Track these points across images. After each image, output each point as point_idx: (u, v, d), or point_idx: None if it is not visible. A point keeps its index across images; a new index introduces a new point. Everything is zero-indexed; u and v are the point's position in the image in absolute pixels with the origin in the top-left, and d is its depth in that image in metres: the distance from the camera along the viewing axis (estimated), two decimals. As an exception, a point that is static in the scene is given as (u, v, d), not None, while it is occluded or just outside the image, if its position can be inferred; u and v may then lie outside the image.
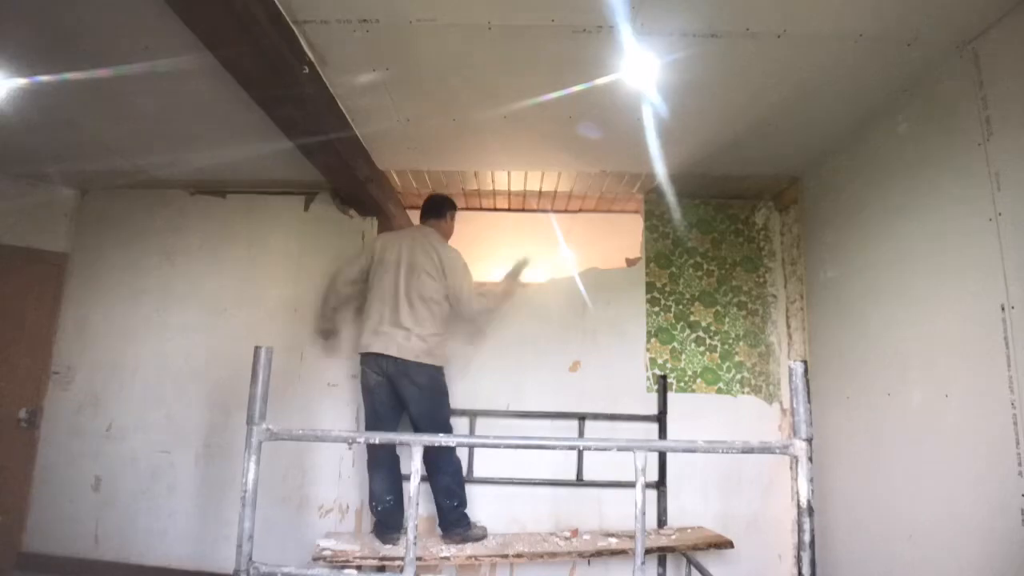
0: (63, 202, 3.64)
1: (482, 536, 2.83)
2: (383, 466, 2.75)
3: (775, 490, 3.27)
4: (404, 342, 2.70)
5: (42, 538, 3.29)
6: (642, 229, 3.63)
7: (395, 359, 2.69)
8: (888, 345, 2.46)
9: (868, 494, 2.55)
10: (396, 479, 2.78)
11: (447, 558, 2.65)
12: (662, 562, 3.17)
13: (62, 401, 3.44)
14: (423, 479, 2.64)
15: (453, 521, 2.75)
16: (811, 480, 1.42)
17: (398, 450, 2.82)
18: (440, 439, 1.64)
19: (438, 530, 2.83)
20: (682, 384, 3.40)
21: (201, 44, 1.87)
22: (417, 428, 2.74)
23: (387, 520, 2.73)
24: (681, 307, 3.50)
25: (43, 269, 3.53)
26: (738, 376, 3.42)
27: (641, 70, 2.23)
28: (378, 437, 1.66)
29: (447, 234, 3.09)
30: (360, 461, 3.26)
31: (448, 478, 2.75)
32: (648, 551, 2.71)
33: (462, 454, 3.20)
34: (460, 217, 4.16)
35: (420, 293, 2.76)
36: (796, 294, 3.36)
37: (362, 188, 3.16)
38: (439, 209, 3.07)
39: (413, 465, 1.47)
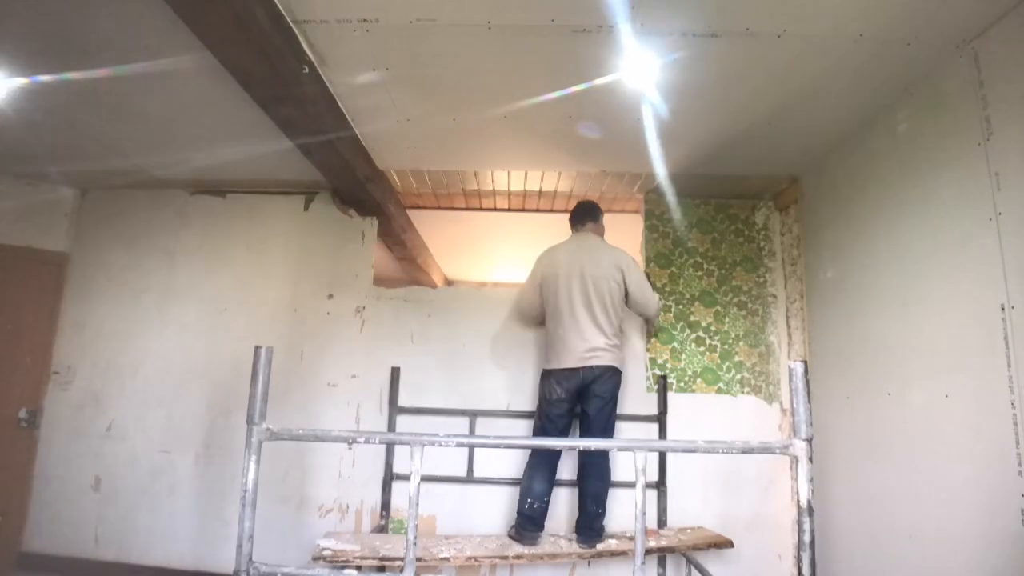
0: (63, 202, 3.65)
1: (606, 538, 2.86)
2: (545, 467, 2.79)
3: (775, 490, 3.27)
4: (598, 350, 2.74)
5: (42, 538, 3.30)
6: (642, 229, 3.63)
7: (587, 368, 2.73)
8: (888, 345, 2.45)
9: (868, 494, 2.55)
10: (553, 481, 2.82)
11: (447, 558, 2.65)
12: (662, 562, 3.17)
13: (62, 401, 3.44)
14: (570, 483, 2.90)
15: (597, 529, 2.78)
16: (811, 480, 1.42)
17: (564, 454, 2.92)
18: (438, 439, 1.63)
19: (573, 534, 2.85)
20: (682, 384, 3.40)
21: (201, 44, 1.88)
22: (590, 430, 2.77)
23: (537, 518, 2.75)
24: (681, 307, 3.50)
25: (43, 269, 3.53)
26: (738, 376, 3.42)
27: (641, 70, 2.23)
28: (378, 437, 1.66)
29: (603, 236, 3.07)
30: (360, 461, 3.26)
31: (600, 484, 2.78)
32: (648, 551, 2.71)
33: (462, 454, 3.20)
34: (460, 217, 4.20)
35: (602, 300, 2.78)
36: (796, 294, 3.36)
37: (362, 188, 3.16)
38: (594, 213, 3.05)
39: (413, 465, 1.47)
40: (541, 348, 3.42)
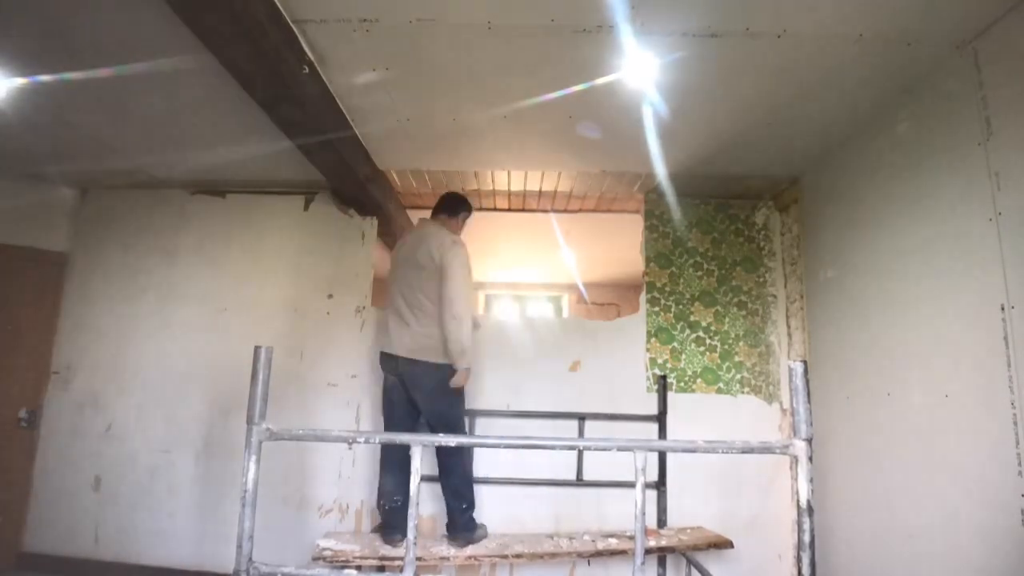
0: (63, 202, 3.65)
1: (484, 536, 2.83)
2: (394, 465, 2.72)
3: (775, 490, 3.27)
4: (410, 341, 2.68)
5: (42, 538, 3.29)
6: (642, 229, 3.63)
7: (403, 359, 2.67)
8: (888, 345, 2.46)
9: (868, 494, 2.55)
10: (406, 479, 2.73)
11: (447, 558, 2.65)
12: (662, 562, 3.17)
13: (62, 401, 3.44)
14: (430, 479, 2.71)
15: (461, 524, 2.73)
16: (811, 480, 1.41)
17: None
18: (440, 439, 1.63)
19: (444, 531, 2.81)
20: (682, 384, 3.40)
21: (201, 44, 1.88)
22: (430, 428, 2.71)
23: (393, 520, 2.69)
24: (681, 307, 3.50)
25: (43, 269, 3.53)
26: (738, 376, 3.42)
27: (641, 70, 2.23)
28: (378, 437, 1.66)
29: (454, 230, 2.93)
30: (360, 461, 3.26)
31: (457, 479, 2.72)
32: (648, 551, 2.71)
33: (462, 454, 3.20)
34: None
35: (422, 289, 2.69)
36: (796, 294, 3.36)
37: (362, 188, 3.16)
38: (453, 207, 2.96)
39: (413, 465, 1.47)
40: (541, 348, 3.43)
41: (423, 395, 2.68)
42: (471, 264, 2.73)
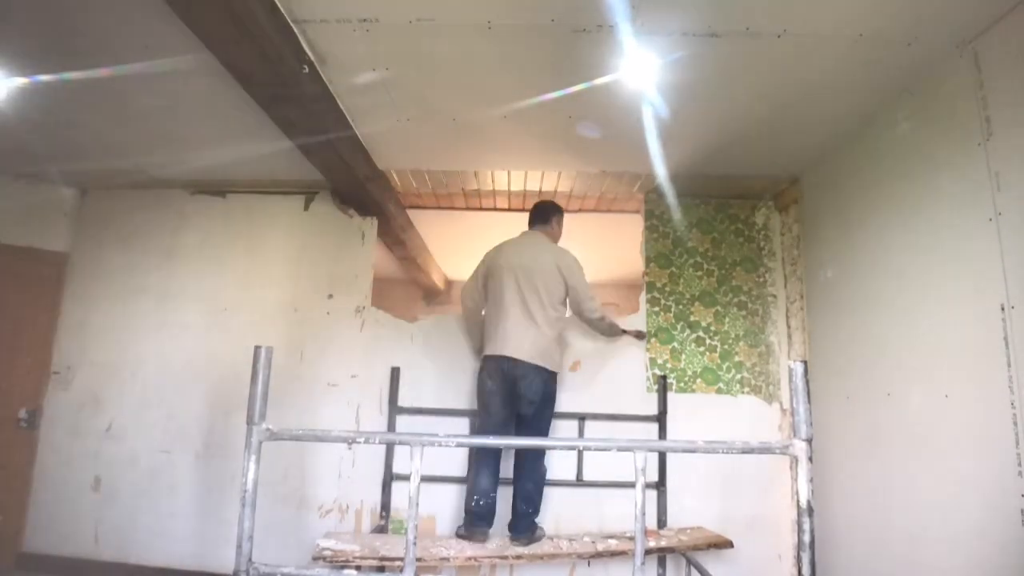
0: (63, 202, 3.65)
1: (542, 537, 2.87)
2: (489, 463, 2.81)
3: (775, 490, 3.27)
4: (530, 346, 2.75)
5: (42, 538, 3.30)
6: (642, 229, 3.62)
7: (522, 361, 2.74)
8: (888, 345, 2.45)
9: (868, 494, 2.55)
10: (497, 477, 2.83)
11: (447, 558, 2.65)
12: (662, 562, 3.17)
13: (62, 401, 3.44)
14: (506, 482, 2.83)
15: (524, 526, 2.79)
16: (811, 480, 1.42)
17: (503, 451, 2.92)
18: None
19: (507, 531, 2.84)
20: (682, 384, 3.40)
21: (201, 44, 1.88)
22: (520, 429, 2.80)
23: (484, 514, 2.77)
24: (681, 307, 3.50)
25: (43, 269, 3.54)
26: (738, 376, 3.42)
27: (641, 70, 2.23)
28: (378, 438, 1.66)
29: (555, 239, 3.09)
30: (360, 461, 3.26)
31: (531, 484, 2.80)
32: (648, 551, 2.71)
33: (462, 454, 3.20)
34: (460, 217, 4.19)
35: (538, 297, 2.80)
36: (796, 294, 3.36)
37: (362, 188, 3.16)
38: (545, 216, 3.08)
39: (413, 465, 1.47)
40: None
41: (532, 397, 2.74)
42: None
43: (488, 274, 2.96)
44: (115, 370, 3.45)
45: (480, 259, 3.05)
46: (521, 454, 2.82)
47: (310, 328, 3.43)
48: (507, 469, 2.90)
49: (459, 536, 2.82)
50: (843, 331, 2.83)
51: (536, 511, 2.83)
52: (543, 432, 2.85)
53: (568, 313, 3.04)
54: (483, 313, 3.02)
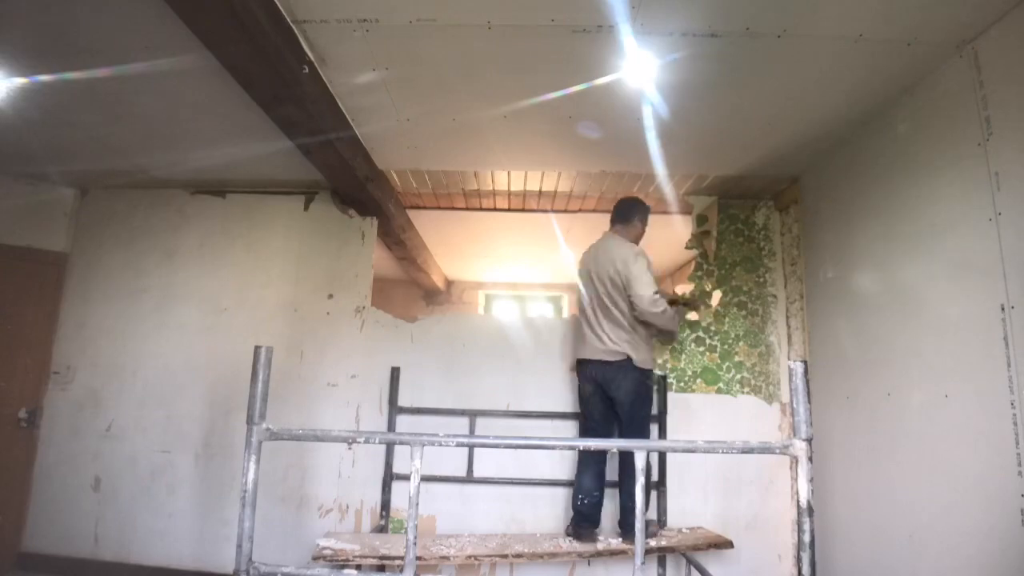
0: (63, 202, 3.65)
1: (653, 535, 2.90)
2: (594, 464, 2.86)
3: (775, 490, 3.27)
4: (606, 346, 2.79)
5: (42, 538, 3.30)
6: (694, 231, 3.66)
7: (601, 362, 2.80)
8: (888, 345, 2.46)
9: (868, 494, 2.55)
10: (603, 477, 2.89)
11: (447, 558, 2.65)
12: (662, 562, 3.17)
13: (62, 401, 3.44)
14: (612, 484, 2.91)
15: (632, 524, 2.79)
16: (811, 480, 1.42)
17: (608, 453, 2.96)
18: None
19: (618, 528, 2.91)
20: (682, 384, 3.40)
21: (201, 44, 1.88)
22: (620, 429, 2.84)
23: (589, 513, 2.82)
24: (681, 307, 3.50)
25: (43, 269, 3.53)
26: (738, 376, 3.42)
27: (641, 70, 2.23)
28: (378, 437, 1.66)
29: (634, 238, 2.98)
30: (360, 461, 3.26)
31: (634, 481, 2.79)
32: (648, 551, 2.72)
33: (462, 454, 3.20)
34: (460, 217, 4.19)
35: (611, 297, 2.82)
36: (796, 294, 3.36)
37: (362, 188, 3.16)
38: (626, 214, 3.01)
39: (413, 465, 1.47)
40: (541, 348, 3.44)
41: (621, 397, 2.78)
42: (652, 270, 2.81)
43: (579, 278, 3.04)
44: (115, 370, 3.45)
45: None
46: (625, 453, 2.80)
47: (310, 328, 3.43)
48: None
49: (567, 535, 2.90)
50: (843, 331, 2.83)
51: (644, 508, 2.85)
52: (641, 430, 2.86)
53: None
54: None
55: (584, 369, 2.89)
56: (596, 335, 2.83)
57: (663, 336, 3.12)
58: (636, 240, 2.98)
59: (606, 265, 2.84)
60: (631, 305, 2.76)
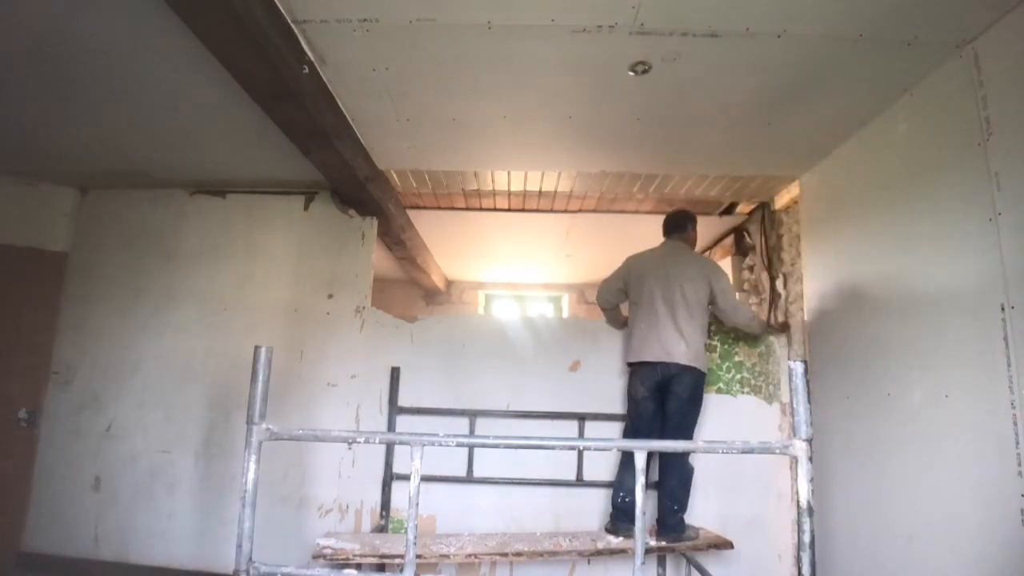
0: (63, 202, 3.64)
1: (692, 539, 2.91)
2: (631, 463, 2.85)
3: (775, 490, 3.27)
4: (685, 349, 2.84)
5: (42, 538, 3.29)
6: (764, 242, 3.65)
7: (669, 364, 2.84)
8: (888, 345, 2.46)
9: (868, 494, 2.55)
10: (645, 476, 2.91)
11: (447, 556, 2.65)
12: (662, 562, 3.17)
13: (62, 401, 3.44)
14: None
15: (670, 525, 2.86)
16: (811, 480, 1.42)
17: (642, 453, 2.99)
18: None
19: (654, 524, 2.93)
20: (682, 384, 3.40)
21: (201, 44, 1.88)
22: (665, 429, 2.88)
23: (628, 510, 2.83)
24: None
25: (43, 269, 3.53)
26: (738, 376, 3.42)
27: (641, 70, 2.23)
28: (378, 437, 1.66)
29: (693, 243, 3.21)
30: (360, 461, 3.26)
31: (676, 482, 2.88)
32: (648, 551, 2.71)
33: (462, 454, 3.20)
34: (460, 217, 4.20)
35: (686, 303, 2.89)
36: (796, 294, 3.36)
37: (362, 188, 3.16)
38: (681, 224, 3.17)
39: (413, 465, 1.47)
40: (541, 348, 3.43)
41: (683, 393, 2.85)
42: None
43: (629, 280, 3.09)
44: (115, 370, 3.45)
45: (621, 263, 3.18)
46: (664, 455, 2.90)
47: (310, 328, 3.43)
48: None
49: (607, 531, 2.95)
50: (843, 331, 2.83)
51: (683, 508, 2.90)
52: (688, 432, 2.92)
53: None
54: (624, 313, 3.21)
55: (645, 371, 2.91)
56: (671, 339, 2.86)
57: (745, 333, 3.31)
58: (694, 245, 3.22)
59: (683, 270, 2.95)
60: (712, 313, 3.01)
